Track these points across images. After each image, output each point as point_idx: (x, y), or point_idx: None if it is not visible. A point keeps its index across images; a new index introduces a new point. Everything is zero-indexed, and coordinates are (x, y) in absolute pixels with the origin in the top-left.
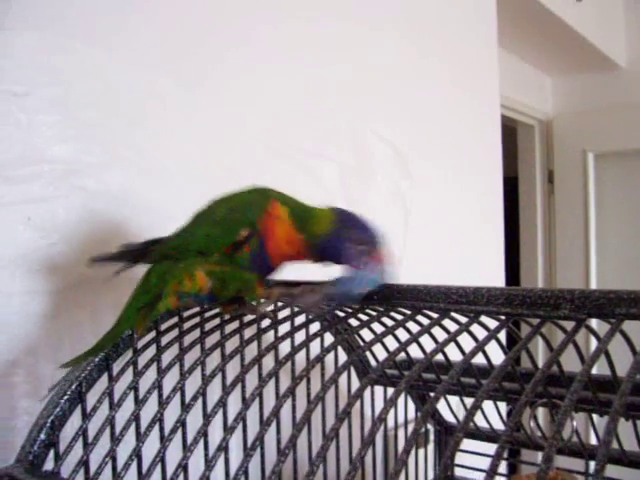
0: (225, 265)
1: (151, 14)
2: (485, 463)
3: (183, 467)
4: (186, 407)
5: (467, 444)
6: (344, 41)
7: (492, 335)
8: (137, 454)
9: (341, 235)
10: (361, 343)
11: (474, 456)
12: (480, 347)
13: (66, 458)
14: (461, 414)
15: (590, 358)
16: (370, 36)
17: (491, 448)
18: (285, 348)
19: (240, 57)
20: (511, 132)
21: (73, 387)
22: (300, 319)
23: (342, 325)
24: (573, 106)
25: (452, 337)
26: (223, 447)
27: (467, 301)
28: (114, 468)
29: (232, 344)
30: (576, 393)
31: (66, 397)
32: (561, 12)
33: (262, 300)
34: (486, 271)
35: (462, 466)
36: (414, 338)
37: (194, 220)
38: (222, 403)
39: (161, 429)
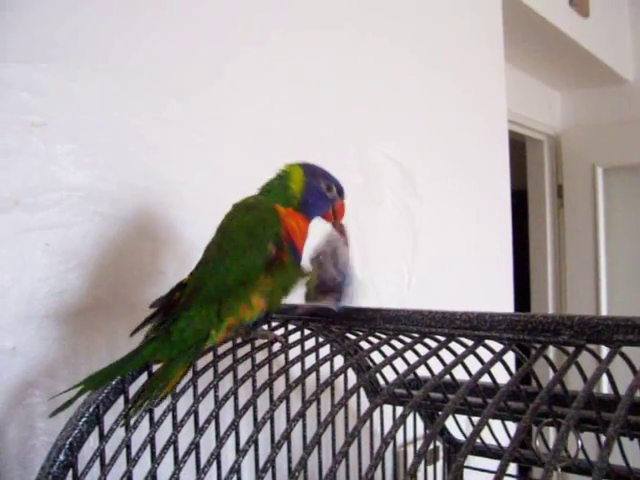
0: (271, 280)
1: (163, 41)
2: None
3: None
4: (200, 430)
5: (476, 461)
6: (349, 60)
7: (497, 358)
8: (152, 475)
9: (313, 187)
10: (370, 364)
11: (483, 474)
12: (486, 368)
13: (84, 479)
14: (469, 432)
15: (590, 381)
16: (375, 54)
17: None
18: (296, 371)
19: (249, 85)
20: (521, 146)
21: (91, 409)
22: (310, 342)
23: (352, 348)
24: (582, 121)
25: (460, 359)
26: (235, 469)
27: (471, 326)
28: None
29: (244, 368)
30: (577, 412)
31: (84, 419)
32: (568, 28)
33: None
34: (495, 287)
35: None
36: (424, 359)
37: (215, 255)
38: (234, 426)
39: (175, 450)
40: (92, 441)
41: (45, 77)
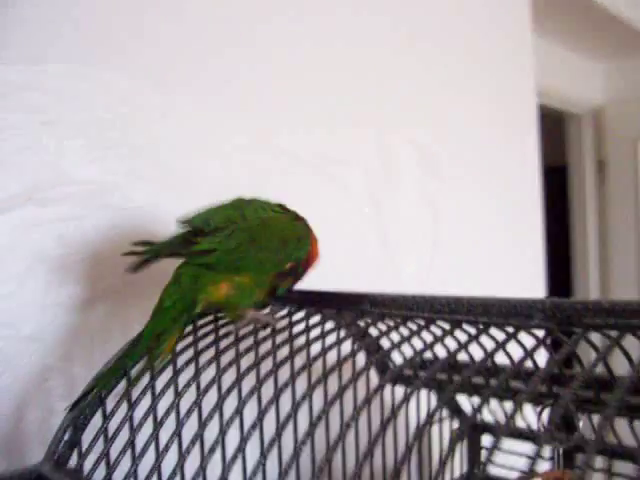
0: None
1: (170, 38)
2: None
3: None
4: (201, 393)
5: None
6: (368, 43)
7: (500, 344)
8: (156, 444)
9: None
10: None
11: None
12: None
13: (88, 456)
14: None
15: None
16: (394, 33)
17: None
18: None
19: (259, 68)
20: (561, 121)
21: (94, 391)
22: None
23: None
24: (624, 94)
25: (464, 345)
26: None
27: (449, 310)
28: (133, 457)
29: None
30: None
31: (88, 400)
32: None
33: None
34: (523, 271)
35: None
36: (440, 339)
37: (245, 240)
38: (239, 411)
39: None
40: (97, 422)
41: (53, 77)
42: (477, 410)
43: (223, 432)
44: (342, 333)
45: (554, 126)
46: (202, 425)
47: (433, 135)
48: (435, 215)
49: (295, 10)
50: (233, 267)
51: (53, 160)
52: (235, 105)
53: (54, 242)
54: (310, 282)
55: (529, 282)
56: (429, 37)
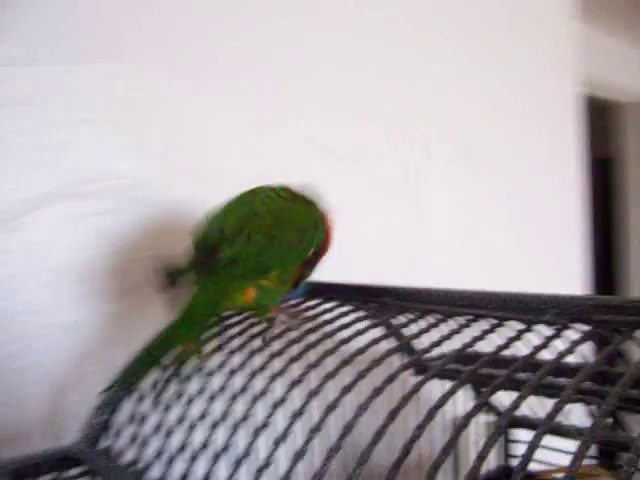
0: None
1: (203, 32)
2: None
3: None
4: (228, 376)
5: (521, 435)
6: (399, 35)
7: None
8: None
9: None
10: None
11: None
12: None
13: (120, 437)
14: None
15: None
16: (427, 24)
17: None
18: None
19: (293, 62)
20: (607, 111)
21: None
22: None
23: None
24: None
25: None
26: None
27: (467, 304)
28: (164, 439)
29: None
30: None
31: (119, 387)
32: None
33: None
34: (562, 267)
35: (516, 456)
36: (480, 337)
37: (263, 236)
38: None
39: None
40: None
41: (91, 76)
42: (517, 405)
43: (270, 414)
44: (376, 329)
45: (599, 116)
46: (230, 404)
47: (467, 128)
48: (469, 209)
49: (325, 12)
50: (260, 271)
51: (91, 156)
52: (268, 100)
53: (92, 235)
54: (342, 275)
55: (569, 279)
56: (462, 26)
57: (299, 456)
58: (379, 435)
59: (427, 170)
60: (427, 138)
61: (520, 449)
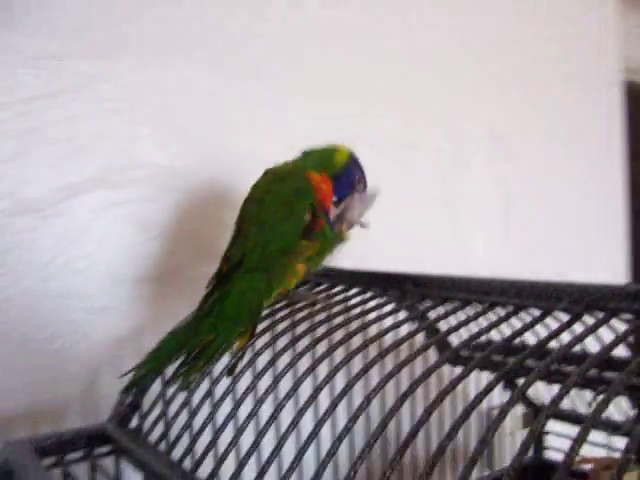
0: (310, 245)
1: (238, 26)
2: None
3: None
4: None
5: (559, 427)
6: (437, 29)
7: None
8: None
9: (351, 172)
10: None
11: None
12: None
13: (148, 417)
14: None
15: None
16: (465, 17)
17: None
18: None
19: (327, 54)
20: None
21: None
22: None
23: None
24: None
25: (526, 327)
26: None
27: (483, 292)
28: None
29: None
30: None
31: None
32: None
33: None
34: (602, 256)
35: (552, 448)
36: (499, 322)
37: (255, 226)
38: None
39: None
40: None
41: (124, 69)
42: (561, 398)
43: (314, 397)
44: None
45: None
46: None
47: (504, 116)
48: (507, 196)
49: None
50: (270, 258)
51: (125, 146)
52: (301, 90)
53: (125, 222)
54: (379, 263)
55: (610, 267)
56: (498, 16)
57: (343, 433)
58: (419, 425)
59: (460, 159)
60: (464, 127)
61: (551, 440)
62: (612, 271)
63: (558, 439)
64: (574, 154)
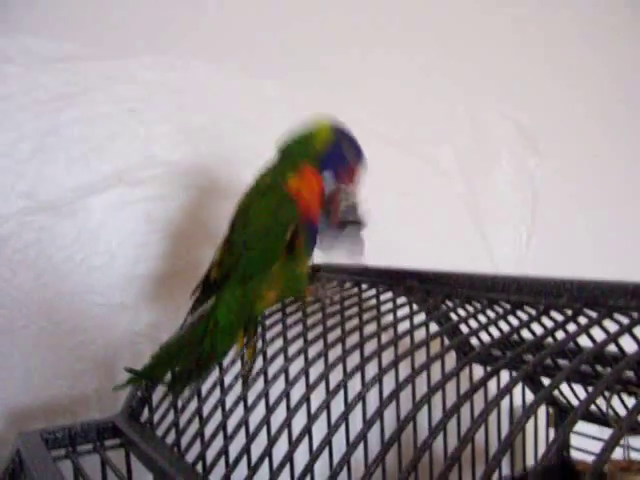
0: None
1: (254, 26)
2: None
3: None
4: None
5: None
6: (461, 19)
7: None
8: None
9: (337, 148)
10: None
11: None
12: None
13: (157, 410)
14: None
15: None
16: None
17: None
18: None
19: (345, 52)
20: None
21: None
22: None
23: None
24: None
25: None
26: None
27: (485, 288)
28: (201, 417)
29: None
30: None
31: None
32: None
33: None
34: (635, 254)
35: (577, 449)
36: (525, 324)
37: (241, 238)
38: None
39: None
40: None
41: (140, 69)
42: (592, 400)
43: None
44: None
45: None
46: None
47: (532, 110)
48: (534, 193)
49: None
50: (252, 273)
51: (141, 144)
52: (321, 88)
53: (142, 220)
54: (400, 260)
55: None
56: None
57: (369, 424)
58: (439, 426)
59: (485, 154)
60: (489, 121)
61: (574, 440)
62: None
63: (576, 437)
64: (605, 154)
